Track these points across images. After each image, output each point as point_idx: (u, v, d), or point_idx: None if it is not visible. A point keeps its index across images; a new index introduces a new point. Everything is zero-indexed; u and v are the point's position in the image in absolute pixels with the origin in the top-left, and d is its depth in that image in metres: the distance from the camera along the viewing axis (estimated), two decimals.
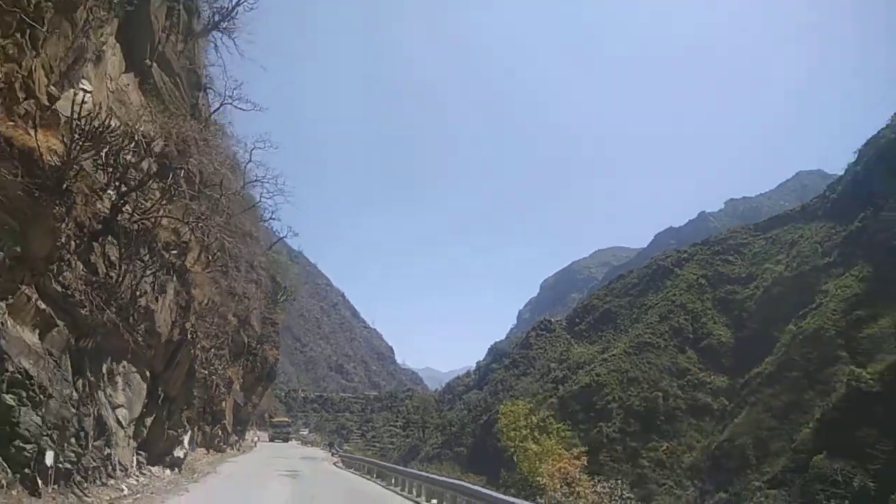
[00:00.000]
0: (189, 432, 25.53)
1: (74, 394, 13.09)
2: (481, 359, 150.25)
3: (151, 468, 19.59)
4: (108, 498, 13.60)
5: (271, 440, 69.29)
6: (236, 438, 45.89)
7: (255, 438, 60.78)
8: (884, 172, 76.11)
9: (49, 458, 11.26)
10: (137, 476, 17.61)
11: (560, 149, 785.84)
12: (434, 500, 19.37)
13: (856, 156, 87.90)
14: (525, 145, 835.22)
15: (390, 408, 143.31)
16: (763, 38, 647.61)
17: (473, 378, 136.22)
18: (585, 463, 24.93)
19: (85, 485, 13.06)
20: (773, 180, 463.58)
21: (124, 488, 15.17)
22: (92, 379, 14.46)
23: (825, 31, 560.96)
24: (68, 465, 12.33)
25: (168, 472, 21.02)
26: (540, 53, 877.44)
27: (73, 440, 12.64)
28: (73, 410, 12.76)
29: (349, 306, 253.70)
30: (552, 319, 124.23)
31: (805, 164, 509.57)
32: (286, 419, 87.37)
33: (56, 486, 11.68)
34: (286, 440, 71.13)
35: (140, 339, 17.12)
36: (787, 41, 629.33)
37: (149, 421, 19.99)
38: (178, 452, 22.50)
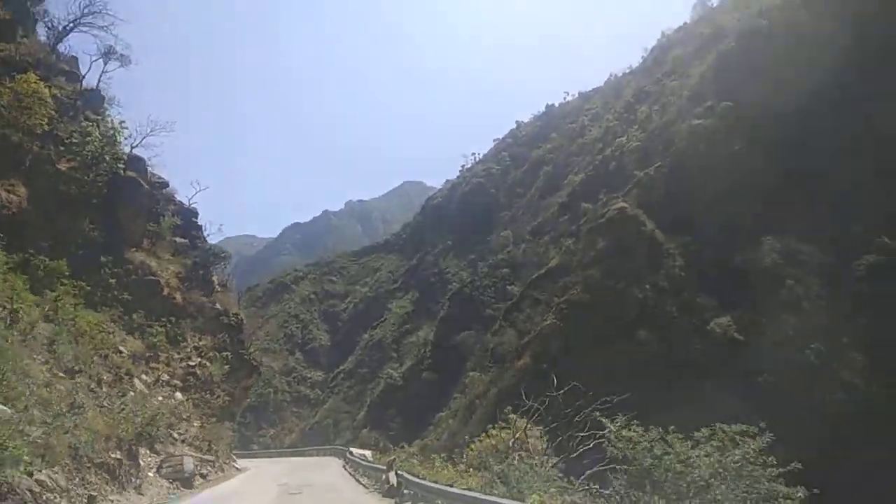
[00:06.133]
0: None
1: None
2: None
3: None
4: None
5: None
6: None
7: None
8: (432, 226, 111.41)
9: None
10: None
11: None
12: None
13: (420, 209, 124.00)
14: None
15: None
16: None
17: None
18: None
19: None
20: (384, 187, 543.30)
21: None
22: None
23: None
24: None
25: None
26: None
27: None
28: None
29: None
30: None
31: (411, 175, 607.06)
32: None
33: None
34: None
35: None
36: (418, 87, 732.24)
37: None
38: None
